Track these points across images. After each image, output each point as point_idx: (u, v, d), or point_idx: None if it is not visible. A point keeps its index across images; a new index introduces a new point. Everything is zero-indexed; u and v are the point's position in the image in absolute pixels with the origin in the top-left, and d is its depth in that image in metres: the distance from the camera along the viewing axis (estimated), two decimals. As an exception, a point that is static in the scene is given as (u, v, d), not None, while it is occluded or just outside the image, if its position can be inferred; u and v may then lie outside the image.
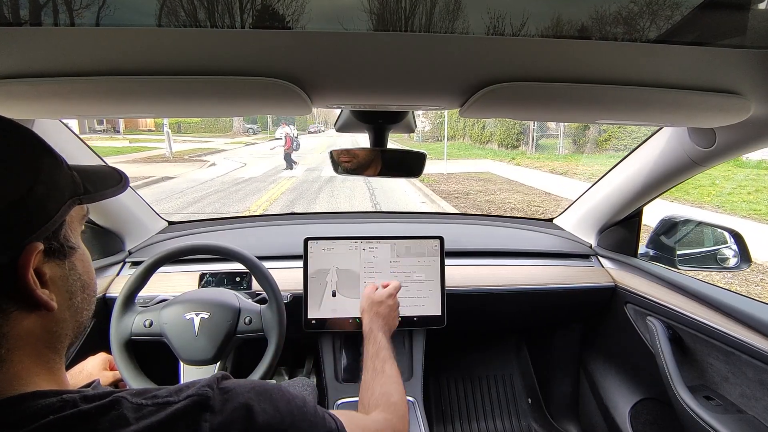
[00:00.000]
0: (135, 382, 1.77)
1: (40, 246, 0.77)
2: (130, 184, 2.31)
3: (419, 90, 1.20)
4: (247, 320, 1.95)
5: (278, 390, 0.93)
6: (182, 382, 1.96)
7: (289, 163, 23.54)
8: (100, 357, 1.84)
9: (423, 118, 41.76)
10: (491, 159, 29.22)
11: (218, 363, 1.98)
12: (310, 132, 67.77)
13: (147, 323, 1.89)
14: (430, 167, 20.92)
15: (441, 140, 40.05)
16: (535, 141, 30.91)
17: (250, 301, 2.07)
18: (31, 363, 0.78)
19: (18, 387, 0.75)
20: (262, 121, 62.48)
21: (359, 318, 2.27)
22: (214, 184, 19.12)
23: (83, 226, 0.93)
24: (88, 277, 0.91)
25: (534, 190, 17.75)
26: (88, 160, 2.25)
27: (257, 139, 48.80)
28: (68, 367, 1.72)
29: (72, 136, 2.11)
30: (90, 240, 2.51)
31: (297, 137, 26.60)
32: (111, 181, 0.96)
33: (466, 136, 41.37)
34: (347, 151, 1.88)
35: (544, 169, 23.29)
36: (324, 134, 65.46)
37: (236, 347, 2.02)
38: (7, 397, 0.73)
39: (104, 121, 50.38)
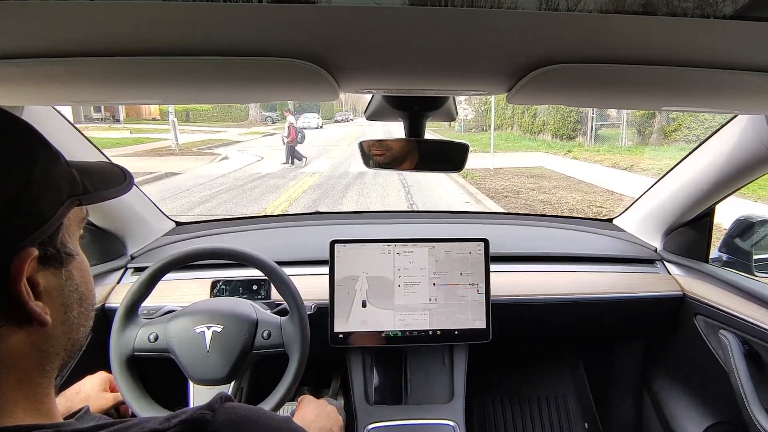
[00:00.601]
0: (138, 404, 1.77)
1: (35, 252, 0.75)
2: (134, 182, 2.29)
3: (461, 72, 1.17)
4: (265, 334, 1.94)
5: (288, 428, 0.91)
6: (191, 403, 1.99)
7: (293, 156, 23.32)
8: (99, 377, 1.83)
9: (465, 105, 41.23)
10: (544, 151, 28.87)
11: (233, 383, 1.97)
12: (336, 121, 67.23)
13: (152, 337, 1.89)
14: (474, 161, 20.86)
15: (486, 130, 39.45)
16: (594, 131, 30.44)
17: (268, 312, 2.06)
18: (15, 388, 0.76)
19: None
20: (283, 108, 62.02)
21: (393, 332, 2.29)
22: (226, 181, 19.01)
23: (82, 230, 0.92)
24: (86, 288, 0.89)
25: (595, 187, 17.45)
26: (86, 154, 2.29)
27: (276, 129, 47.54)
28: (64, 387, 1.74)
29: (66, 125, 2.13)
30: (87, 243, 2.51)
31: (302, 128, 26.30)
32: (114, 180, 0.95)
33: (515, 125, 40.35)
34: (379, 142, 1.85)
35: (605, 163, 22.92)
36: (353, 123, 64.73)
37: (253, 364, 2.01)
38: None
39: (102, 108, 50.23)
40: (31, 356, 0.78)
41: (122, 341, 1.87)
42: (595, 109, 26.49)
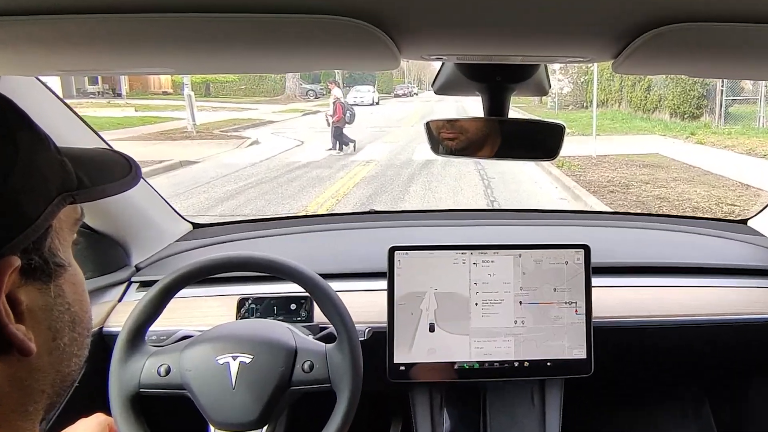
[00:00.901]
0: None
1: (16, 262, 0.72)
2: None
3: (556, 33, 1.13)
4: (306, 366, 1.92)
5: None
6: None
7: (340, 140, 23.09)
8: (96, 420, 1.72)
9: (560, 76, 40.91)
10: (660, 134, 28.41)
11: (265, 428, 1.95)
12: (397, 95, 67.03)
13: (162, 370, 1.89)
14: (571, 146, 20.37)
15: (587, 107, 39.40)
16: (724, 108, 29.67)
17: (311, 338, 2.06)
18: None
19: None
20: (327, 80, 60.81)
21: (468, 363, 2.30)
22: (257, 172, 19.05)
23: (76, 235, 0.90)
24: (80, 308, 0.88)
25: (725, 180, 17.05)
26: (79, 137, 2.32)
27: (319, 106, 46.46)
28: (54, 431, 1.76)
29: (54, 101, 2.16)
30: (82, 251, 2.52)
31: (352, 106, 25.95)
32: (116, 172, 0.94)
33: (624, 101, 39.72)
34: (451, 122, 1.83)
35: (738, 149, 22.45)
36: (417, 98, 64.36)
37: (291, 405, 2.02)
38: None
39: (99, 80, 50.34)
40: (9, 394, 0.76)
41: (125, 375, 1.87)
42: (725, 80, 25.98)
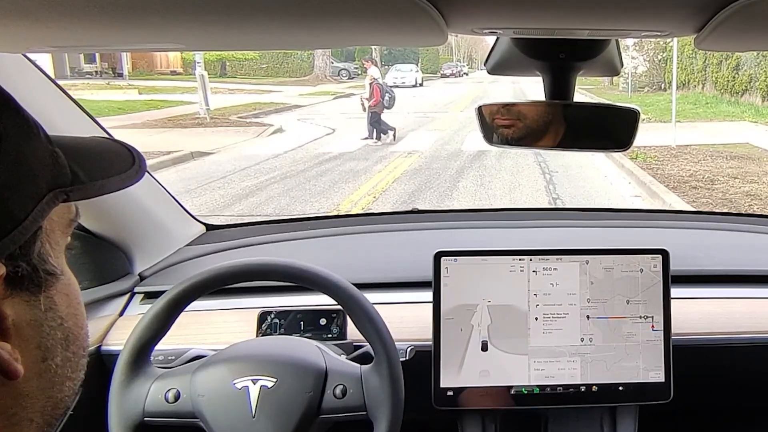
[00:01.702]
0: None
1: (1, 269, 0.71)
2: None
3: (630, 2, 1.11)
4: (338, 391, 1.92)
5: None
6: None
7: (377, 128, 22.90)
8: None
9: (634, 53, 40.68)
10: (750, 121, 28.18)
11: None
12: (444, 75, 67.25)
13: (171, 396, 1.89)
14: (647, 135, 20.31)
15: (666, 90, 39.19)
16: None
17: (343, 358, 2.07)
18: None
19: None
20: (362, 57, 59.53)
21: (527, 387, 2.30)
22: (281, 165, 19.04)
23: (70, 238, 0.89)
24: (75, 323, 0.87)
25: (828, 175, 16.85)
26: (74, 124, 2.33)
27: (354, 87, 46.80)
28: None
29: (45, 82, 2.17)
30: (77, 257, 2.52)
31: (391, 87, 25.71)
32: (117, 165, 0.92)
33: (708, 82, 39.40)
34: (507, 107, 1.84)
35: None
36: (468, 79, 64.48)
37: None
38: None
39: (97, 58, 49.81)
40: None
41: (128, 401, 1.87)
42: None
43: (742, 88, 34.49)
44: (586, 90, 40.47)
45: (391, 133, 22.98)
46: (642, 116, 1.82)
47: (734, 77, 35.30)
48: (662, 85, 41.26)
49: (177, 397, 1.87)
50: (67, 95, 2.26)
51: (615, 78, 39.85)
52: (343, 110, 33.17)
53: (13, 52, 1.87)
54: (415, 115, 30.47)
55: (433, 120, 28.84)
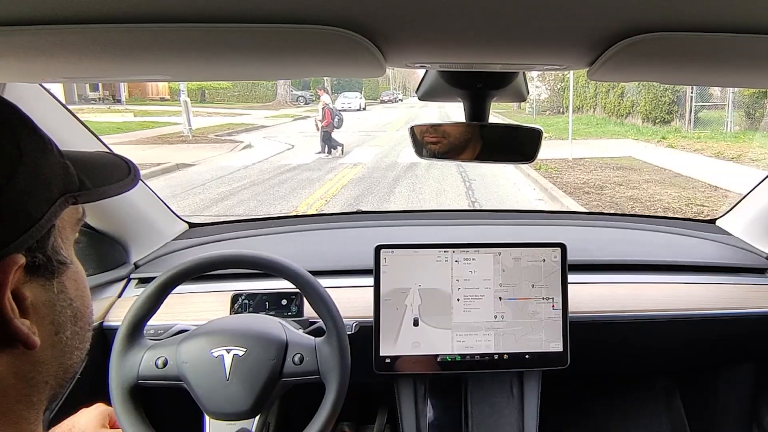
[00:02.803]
0: None
1: (21, 260, 0.73)
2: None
3: (533, 43, 1.15)
4: (297, 358, 1.93)
5: None
6: None
7: (329, 144, 23.15)
8: (97, 410, 1.75)
9: (538, 83, 40.99)
10: (633, 138, 28.50)
11: (257, 418, 1.96)
12: (383, 101, 67.33)
13: (160, 362, 1.88)
14: (549, 150, 20.61)
15: (563, 113, 39.27)
16: (693, 113, 29.78)
17: (301, 332, 2.06)
18: None
19: None
20: (317, 86, 60.16)
21: (451, 356, 2.31)
22: (249, 174, 18.96)
23: (77, 234, 0.90)
24: (82, 303, 0.88)
25: (694, 182, 17.10)
26: (81, 141, 2.32)
27: (309, 111, 45.89)
28: (54, 422, 1.69)
29: (57, 107, 2.15)
30: (82, 249, 2.50)
31: (340, 111, 25.98)
32: (116, 174, 0.94)
33: (598, 107, 39.74)
34: (434, 127, 1.85)
35: (707, 152, 22.49)
36: (402, 104, 64.56)
37: (282, 396, 2.01)
38: None
39: (100, 86, 50.29)
40: (14, 386, 0.77)
41: (124, 367, 1.87)
42: (694, 87, 26.14)
43: (625, 111, 35.30)
44: (499, 113, 40.65)
45: (339, 148, 23.03)
46: (544, 134, 1.84)
47: (619, 103, 36.15)
48: (561, 109, 41.69)
49: (165, 364, 1.87)
50: (75, 117, 2.26)
51: (522, 103, 40.11)
52: (300, 130, 33.13)
53: (31, 82, 1.87)
54: (360, 133, 30.64)
55: (373, 138, 28.93)
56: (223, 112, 45.66)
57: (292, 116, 44.02)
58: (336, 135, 23.30)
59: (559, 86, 41.97)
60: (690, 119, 29.68)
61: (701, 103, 30.51)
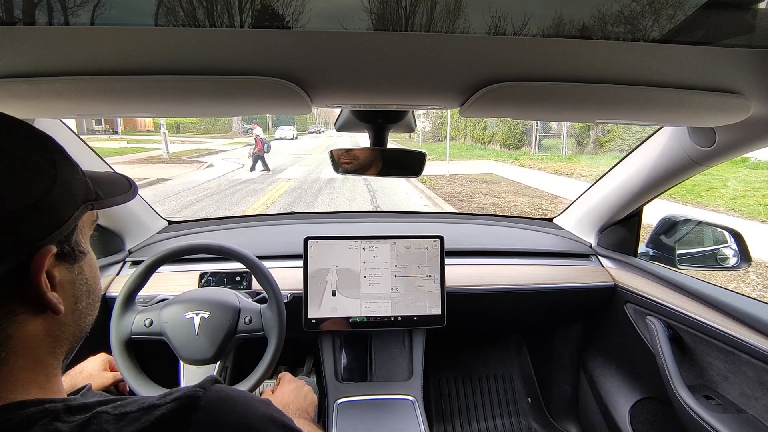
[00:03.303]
0: (135, 382, 1.76)
1: (53, 249, 0.77)
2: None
3: (419, 89, 1.19)
4: (247, 320, 1.94)
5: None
6: (182, 380, 1.98)
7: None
8: (101, 357, 1.83)
9: (424, 118, 41.16)
10: (493, 160, 29.09)
11: (218, 363, 1.98)
12: (309, 132, 67.44)
13: (147, 322, 1.88)
14: (431, 168, 20.98)
15: (442, 141, 39.57)
16: (538, 141, 30.57)
17: (250, 300, 2.06)
18: (29, 368, 0.77)
19: (10, 394, 0.74)
20: (262, 121, 60.23)
21: (359, 318, 2.30)
22: (211, 186, 18.77)
23: (92, 231, 0.95)
24: (95, 282, 0.91)
25: (540, 192, 17.51)
26: (91, 162, 2.28)
27: None
28: (69, 367, 1.71)
29: (73, 136, 2.12)
30: (93, 240, 2.46)
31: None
32: (121, 188, 0.98)
33: (468, 136, 40.73)
34: (347, 151, 1.88)
35: (548, 170, 23.03)
36: (324, 135, 64.89)
37: (236, 347, 2.01)
38: (3, 404, 0.71)
39: (102, 121, 49.70)
40: (44, 341, 0.79)
41: (121, 326, 1.86)
42: (538, 121, 26.69)
43: (488, 139, 35.79)
44: (395, 141, 40.76)
45: (266, 170, 23.06)
46: (429, 156, 1.87)
47: (483, 133, 36.87)
48: (440, 138, 41.59)
49: (151, 324, 1.87)
50: (85, 143, 2.22)
51: (412, 134, 40.23)
52: (250, 153, 32.66)
53: (53, 118, 1.87)
54: (292, 156, 30.59)
55: (303, 159, 28.73)
56: (193, 140, 45.71)
57: (243, 143, 43.73)
58: (270, 156, 23.46)
59: (439, 121, 42.85)
60: (535, 145, 30.50)
61: (544, 134, 31.44)
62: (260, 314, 1.97)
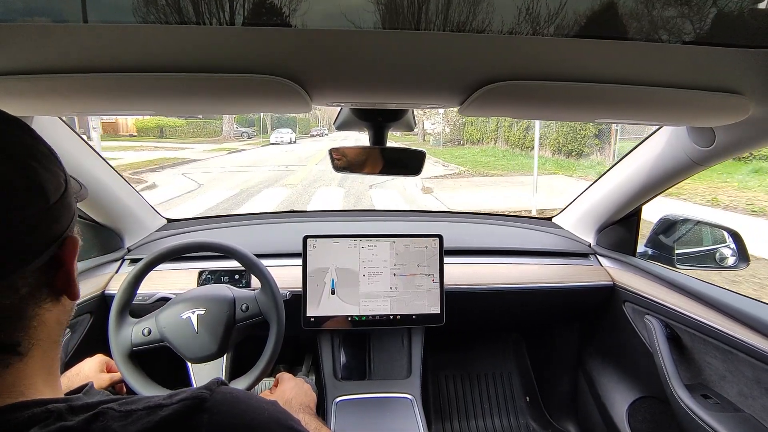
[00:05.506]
0: (146, 391, 1.76)
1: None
2: (128, 182, 2.44)
3: (419, 88, 1.19)
4: (243, 307, 1.96)
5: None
6: (193, 381, 1.99)
7: None
8: (97, 359, 1.81)
9: (440, 119, 39.54)
10: (564, 174, 21.79)
11: (225, 356, 1.97)
12: (312, 135, 64.33)
13: (146, 332, 1.89)
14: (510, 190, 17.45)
15: (464, 144, 36.31)
16: (615, 147, 21.53)
17: (243, 290, 2.08)
18: (39, 360, 0.76)
19: (19, 392, 0.73)
20: (260, 124, 57.38)
21: (358, 316, 2.30)
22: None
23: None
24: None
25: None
26: (90, 161, 2.26)
27: (248, 145, 43.51)
28: (66, 368, 1.72)
29: (72, 135, 2.10)
30: (90, 237, 2.51)
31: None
32: (80, 189, 1.01)
33: (500, 139, 33.23)
34: (347, 149, 1.88)
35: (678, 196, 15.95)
36: (327, 138, 60.57)
37: (237, 342, 2.01)
38: (8, 404, 0.70)
39: (77, 125, 48.62)
40: (54, 329, 0.80)
41: (120, 340, 1.86)
42: (538, 120, 23.85)
43: (530, 144, 26.98)
44: (407, 144, 39.66)
45: None
46: (426, 158, 1.85)
47: (525, 136, 29.25)
48: (461, 141, 37.89)
49: (149, 332, 1.87)
50: (86, 143, 2.22)
51: (427, 136, 38.20)
52: (225, 165, 26.90)
53: (51, 115, 1.86)
54: (279, 169, 24.10)
55: (292, 173, 22.55)
56: (169, 146, 36.73)
57: (228, 150, 37.75)
58: (256, 170, 20.78)
59: (461, 121, 37.28)
60: (611, 152, 22.18)
61: (621, 136, 22.11)
62: (255, 299, 1.99)
